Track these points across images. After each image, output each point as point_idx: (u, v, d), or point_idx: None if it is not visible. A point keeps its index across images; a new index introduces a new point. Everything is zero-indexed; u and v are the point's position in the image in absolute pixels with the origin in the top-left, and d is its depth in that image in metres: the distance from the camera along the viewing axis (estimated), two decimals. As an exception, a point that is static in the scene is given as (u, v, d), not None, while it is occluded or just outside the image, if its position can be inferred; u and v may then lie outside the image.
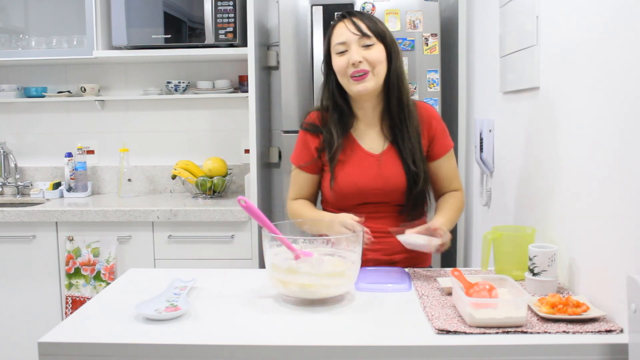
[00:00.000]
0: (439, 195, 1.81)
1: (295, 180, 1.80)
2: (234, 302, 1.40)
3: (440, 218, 1.66)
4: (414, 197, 1.71)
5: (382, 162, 1.71)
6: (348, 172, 1.70)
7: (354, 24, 1.65)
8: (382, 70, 1.66)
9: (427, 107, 1.80)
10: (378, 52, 1.65)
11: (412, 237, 1.55)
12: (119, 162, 3.19)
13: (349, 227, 1.54)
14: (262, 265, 2.13)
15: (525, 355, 1.13)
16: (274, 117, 3.26)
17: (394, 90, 1.70)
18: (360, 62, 1.63)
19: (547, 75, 1.64)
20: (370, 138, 1.74)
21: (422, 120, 1.75)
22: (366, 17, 1.68)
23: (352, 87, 1.66)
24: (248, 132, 2.88)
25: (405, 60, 2.69)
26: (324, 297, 1.37)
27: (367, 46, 1.64)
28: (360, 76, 1.64)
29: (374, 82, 1.66)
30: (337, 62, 1.67)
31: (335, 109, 1.73)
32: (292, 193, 1.81)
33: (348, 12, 1.71)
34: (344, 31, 1.66)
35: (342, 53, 1.66)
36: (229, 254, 2.74)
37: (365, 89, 1.65)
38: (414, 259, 1.73)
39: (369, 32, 1.64)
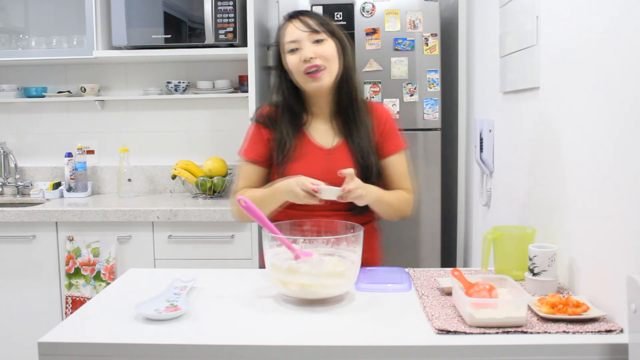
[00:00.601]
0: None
1: (245, 174, 1.77)
2: (234, 302, 1.40)
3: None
4: None
5: (331, 156, 1.71)
6: (297, 166, 1.70)
7: (303, 22, 1.67)
8: (335, 65, 1.68)
9: (380, 107, 1.83)
10: (330, 47, 1.67)
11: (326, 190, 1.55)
12: (119, 162, 3.19)
13: (308, 186, 1.54)
14: (262, 265, 2.13)
15: (525, 355, 1.13)
16: (274, 117, 3.25)
17: (344, 86, 1.71)
18: (312, 57, 1.64)
19: (547, 75, 1.64)
20: (322, 133, 1.75)
21: (374, 117, 1.77)
22: (313, 15, 1.72)
23: (308, 85, 1.68)
24: (248, 132, 2.88)
25: (405, 60, 2.69)
26: (324, 297, 1.37)
27: (319, 41, 1.66)
28: (314, 72, 1.65)
29: (329, 78, 1.68)
30: (290, 60, 1.68)
31: (286, 109, 1.75)
32: (239, 186, 1.77)
33: (295, 12, 1.73)
34: (293, 30, 1.67)
35: (294, 51, 1.67)
36: (229, 254, 2.74)
37: (320, 86, 1.67)
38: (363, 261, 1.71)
39: (318, 28, 1.66)
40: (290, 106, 1.74)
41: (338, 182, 1.65)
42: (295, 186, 1.56)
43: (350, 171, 1.56)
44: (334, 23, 1.73)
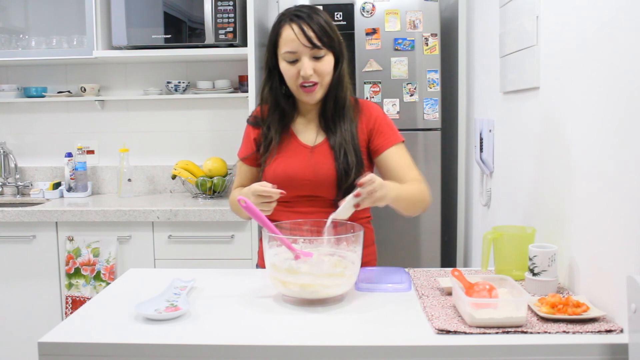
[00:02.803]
0: None
1: (239, 172, 1.84)
2: (234, 302, 1.40)
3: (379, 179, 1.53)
4: (345, 190, 1.65)
5: (314, 153, 1.71)
6: (280, 161, 1.71)
7: (304, 33, 1.61)
8: (329, 78, 1.67)
9: (370, 104, 1.80)
10: (328, 63, 1.65)
11: (340, 209, 1.47)
12: (119, 162, 3.19)
13: (259, 191, 1.52)
14: (260, 264, 2.13)
15: (525, 355, 1.13)
16: (274, 117, 3.25)
17: (332, 94, 1.70)
18: (311, 75, 1.63)
19: (547, 75, 1.64)
20: (308, 131, 1.76)
21: (362, 114, 1.75)
22: (315, 22, 1.62)
23: (301, 97, 1.68)
24: (248, 132, 2.88)
25: (405, 60, 2.69)
26: (324, 297, 1.37)
27: (318, 58, 1.63)
28: (310, 87, 1.65)
29: (322, 92, 1.68)
30: (287, 70, 1.65)
31: (276, 108, 1.74)
32: (235, 185, 1.85)
33: (297, 14, 1.64)
34: (293, 39, 1.61)
35: (292, 62, 1.64)
36: (229, 254, 2.74)
37: (314, 100, 1.68)
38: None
39: (319, 44, 1.61)
40: (280, 105, 1.74)
41: (317, 178, 1.67)
42: (250, 194, 1.54)
43: (370, 177, 1.44)
44: (333, 28, 1.67)
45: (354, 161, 1.68)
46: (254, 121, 1.81)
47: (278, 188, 1.60)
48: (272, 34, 1.69)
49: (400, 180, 1.68)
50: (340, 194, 1.65)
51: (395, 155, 1.72)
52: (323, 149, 1.72)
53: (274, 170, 1.70)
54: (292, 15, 1.65)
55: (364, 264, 1.71)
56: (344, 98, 1.72)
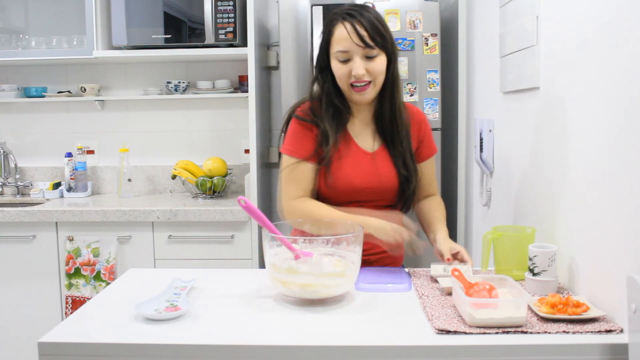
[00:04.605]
0: (418, 197, 1.80)
1: (294, 175, 1.65)
2: (234, 302, 1.40)
3: (446, 239, 1.67)
4: (405, 198, 1.71)
5: (376, 160, 1.70)
6: (343, 168, 1.67)
7: (357, 32, 1.58)
8: (381, 78, 1.64)
9: (417, 110, 1.81)
10: (381, 63, 1.62)
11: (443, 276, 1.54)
12: (119, 162, 3.19)
13: (404, 234, 1.55)
14: (262, 265, 2.13)
15: (525, 355, 1.13)
16: (274, 117, 3.26)
17: (388, 95, 1.69)
18: (363, 74, 1.60)
19: (547, 75, 1.63)
20: (364, 136, 1.73)
21: (413, 122, 1.75)
22: (367, 20, 1.60)
23: (353, 96, 1.65)
24: (248, 132, 2.88)
25: (405, 60, 2.69)
26: (324, 297, 1.37)
27: (370, 57, 1.60)
28: (362, 87, 1.62)
29: (374, 92, 1.65)
30: (339, 70, 1.63)
31: (330, 105, 1.69)
32: (292, 190, 1.65)
33: (349, 13, 1.62)
34: (346, 38, 1.59)
35: (344, 62, 1.61)
36: (229, 254, 2.74)
37: (365, 100, 1.66)
38: (388, 258, 1.74)
39: (372, 43, 1.59)
40: (333, 102, 1.69)
41: (381, 187, 1.68)
42: (391, 230, 1.55)
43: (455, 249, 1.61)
44: (386, 27, 1.64)
45: (413, 170, 1.71)
46: (309, 118, 1.68)
47: (339, 195, 1.66)
48: (324, 33, 1.66)
49: (423, 191, 1.80)
50: (401, 202, 1.72)
51: (430, 167, 1.81)
52: (383, 155, 1.71)
53: (338, 177, 1.66)
54: (344, 14, 1.62)
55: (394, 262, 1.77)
56: (400, 100, 1.71)
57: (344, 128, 1.70)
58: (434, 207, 1.79)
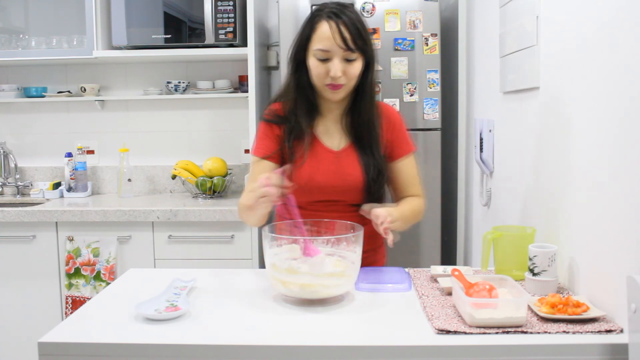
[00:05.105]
0: (398, 198, 1.77)
1: (256, 173, 1.66)
2: (234, 302, 1.40)
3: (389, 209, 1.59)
4: (372, 196, 1.68)
5: (340, 159, 1.69)
6: (306, 167, 1.66)
7: (341, 34, 1.57)
8: (354, 82, 1.64)
9: (391, 109, 1.79)
10: (357, 67, 1.61)
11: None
12: (119, 162, 3.19)
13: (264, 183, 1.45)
14: (262, 265, 2.13)
15: (525, 355, 1.13)
16: (274, 117, 3.25)
17: (363, 98, 1.67)
18: (340, 77, 1.59)
19: (547, 75, 1.64)
20: (331, 135, 1.72)
21: (383, 119, 1.73)
22: (351, 22, 1.58)
23: (326, 94, 1.65)
24: (248, 132, 2.88)
25: (405, 60, 2.69)
26: (324, 297, 1.37)
27: (349, 60, 1.59)
28: (335, 86, 1.61)
29: (345, 93, 1.65)
30: (316, 68, 1.61)
31: (304, 101, 1.68)
32: (248, 188, 1.68)
33: (334, 12, 1.60)
34: (328, 37, 1.57)
35: (322, 60, 1.60)
36: (229, 254, 2.74)
37: (336, 98, 1.65)
38: (369, 258, 1.70)
39: (353, 47, 1.57)
40: (308, 99, 1.68)
41: (345, 185, 1.66)
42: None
43: (369, 208, 1.57)
44: (367, 31, 1.62)
45: (382, 168, 1.68)
46: (275, 119, 1.70)
47: (304, 193, 1.63)
48: (305, 28, 1.64)
49: (403, 191, 1.74)
50: (367, 199, 1.67)
51: (406, 167, 1.75)
52: (348, 153, 1.70)
53: (300, 175, 1.65)
54: (330, 12, 1.60)
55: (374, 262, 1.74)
56: (374, 105, 1.70)
57: (312, 125, 1.70)
58: (404, 202, 1.73)
